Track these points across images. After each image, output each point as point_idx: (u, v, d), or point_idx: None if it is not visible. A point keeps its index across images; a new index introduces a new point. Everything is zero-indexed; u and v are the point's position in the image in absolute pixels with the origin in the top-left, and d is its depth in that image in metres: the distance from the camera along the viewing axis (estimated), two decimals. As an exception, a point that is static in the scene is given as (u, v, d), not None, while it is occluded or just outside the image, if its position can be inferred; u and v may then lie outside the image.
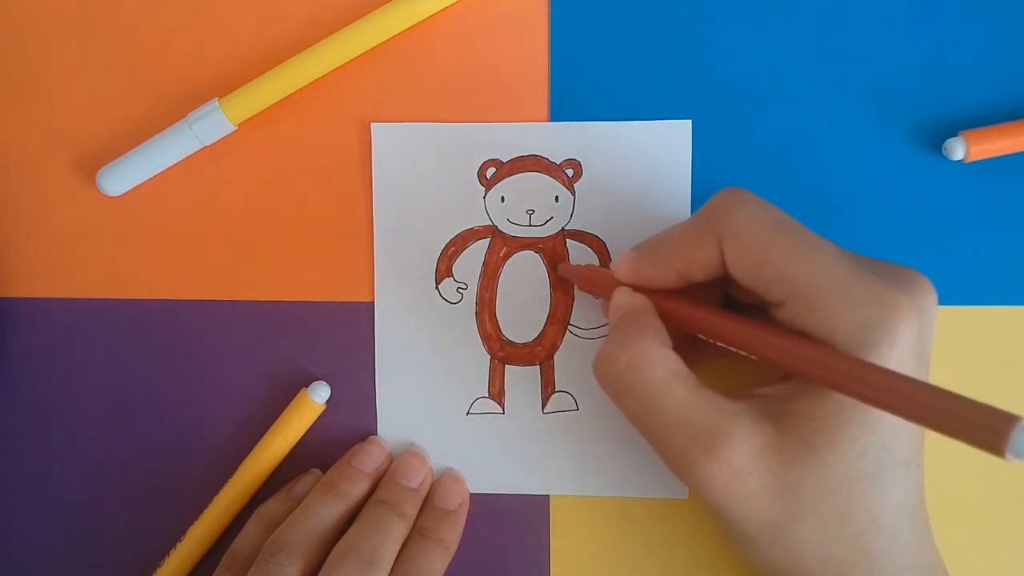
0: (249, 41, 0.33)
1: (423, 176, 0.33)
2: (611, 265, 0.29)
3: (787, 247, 0.25)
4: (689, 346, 0.28)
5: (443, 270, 0.33)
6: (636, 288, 0.28)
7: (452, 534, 0.31)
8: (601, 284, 0.30)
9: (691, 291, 0.28)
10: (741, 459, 0.24)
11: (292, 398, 0.33)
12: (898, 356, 0.23)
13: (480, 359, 0.33)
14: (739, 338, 0.26)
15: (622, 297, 0.28)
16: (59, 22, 0.33)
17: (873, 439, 0.24)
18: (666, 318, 0.27)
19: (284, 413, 0.33)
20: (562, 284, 0.33)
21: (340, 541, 0.29)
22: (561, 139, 0.32)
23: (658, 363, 0.25)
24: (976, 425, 0.19)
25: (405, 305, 0.33)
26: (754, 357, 0.26)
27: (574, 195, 0.32)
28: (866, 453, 0.24)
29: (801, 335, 0.25)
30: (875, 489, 0.24)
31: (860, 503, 0.24)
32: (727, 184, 0.32)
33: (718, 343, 0.27)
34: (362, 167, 0.33)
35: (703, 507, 0.32)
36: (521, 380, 0.33)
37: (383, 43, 0.32)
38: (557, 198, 0.32)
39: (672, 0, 0.32)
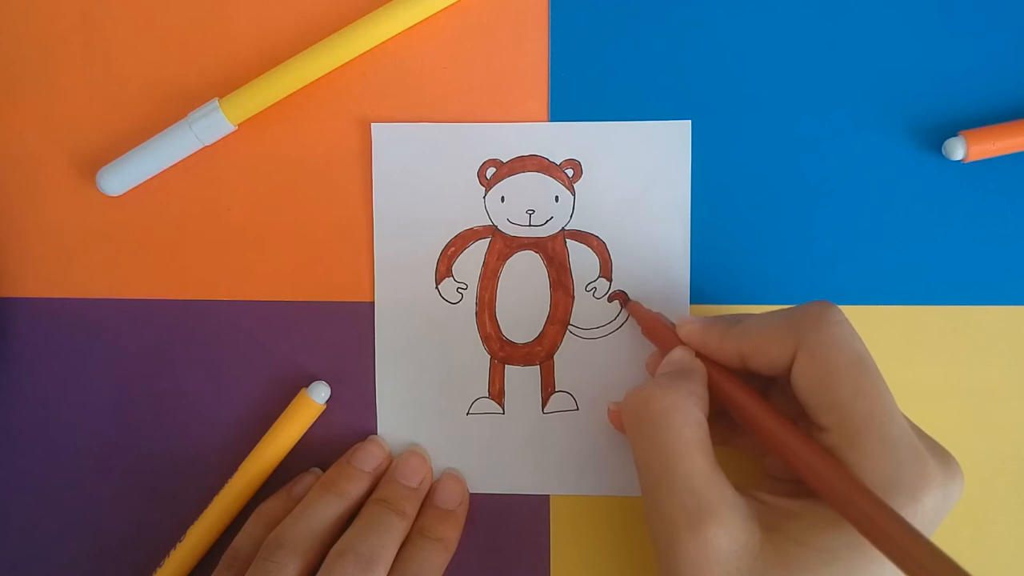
0: (249, 41, 0.33)
1: (423, 176, 0.33)
2: (677, 322, 0.29)
3: (858, 383, 0.25)
4: (721, 422, 0.28)
5: (443, 270, 0.33)
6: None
7: (452, 533, 0.31)
8: (662, 336, 0.30)
9: (740, 376, 0.28)
10: (721, 547, 0.24)
11: (292, 398, 0.33)
12: (910, 519, 0.24)
13: (480, 359, 0.33)
14: (776, 440, 0.26)
15: (681, 354, 0.29)
16: (59, 22, 0.33)
17: None
18: (712, 390, 0.28)
19: (284, 413, 0.33)
20: (562, 284, 0.33)
21: (339, 540, 0.29)
22: (561, 139, 0.32)
23: (691, 424, 0.26)
24: None
25: (405, 305, 0.33)
26: (781, 461, 0.26)
27: (574, 195, 0.32)
28: None
29: (833, 456, 0.25)
30: None
31: None
32: (727, 184, 0.32)
33: (752, 434, 0.27)
34: (362, 167, 0.33)
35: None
36: (521, 380, 0.33)
37: (383, 43, 0.32)
38: (557, 198, 0.32)
39: (672, 0, 0.32)
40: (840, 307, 0.27)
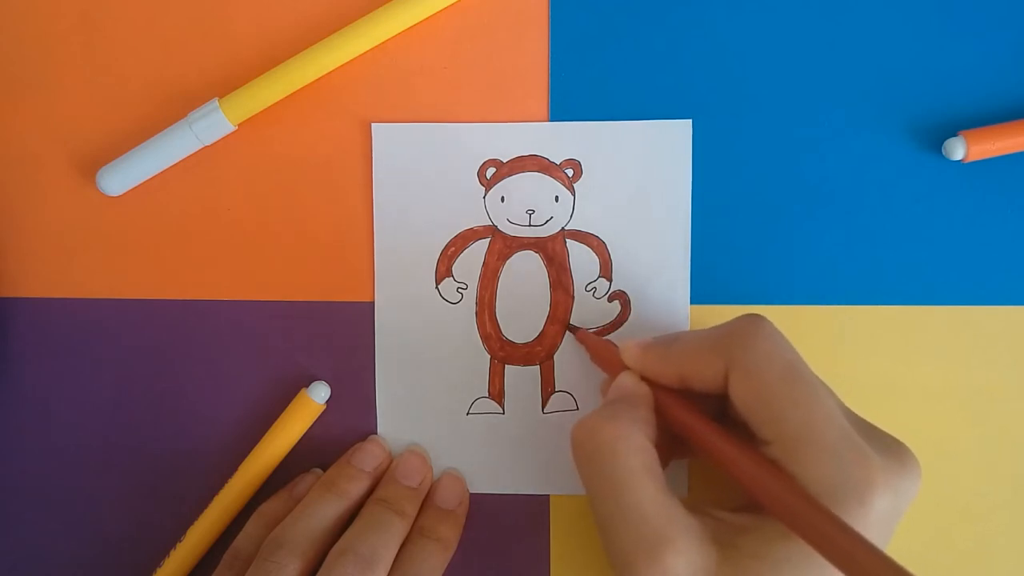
0: (249, 41, 0.33)
1: (423, 176, 0.33)
2: (620, 346, 0.29)
3: (791, 394, 0.25)
4: (672, 440, 0.28)
5: (443, 270, 0.33)
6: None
7: (452, 533, 0.31)
8: (608, 362, 0.30)
9: (693, 394, 0.28)
10: (679, 573, 0.24)
11: (292, 398, 0.33)
12: (861, 525, 0.23)
13: (480, 359, 0.33)
14: (722, 457, 0.26)
15: (627, 380, 0.29)
16: (59, 22, 0.33)
17: None
18: (659, 412, 0.28)
19: (284, 413, 0.33)
20: (562, 284, 0.33)
21: (339, 540, 0.29)
22: (561, 139, 0.32)
23: (637, 452, 0.26)
24: None
25: (405, 305, 0.33)
26: (730, 479, 0.26)
27: (574, 195, 0.32)
28: None
29: (778, 468, 0.25)
30: None
31: None
32: (727, 184, 0.32)
33: (700, 453, 0.27)
34: (362, 167, 0.33)
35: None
36: (521, 380, 0.33)
37: (383, 43, 0.32)
38: (557, 198, 0.32)
39: (672, 0, 0.32)
40: (774, 317, 0.27)
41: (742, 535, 0.25)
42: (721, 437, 0.26)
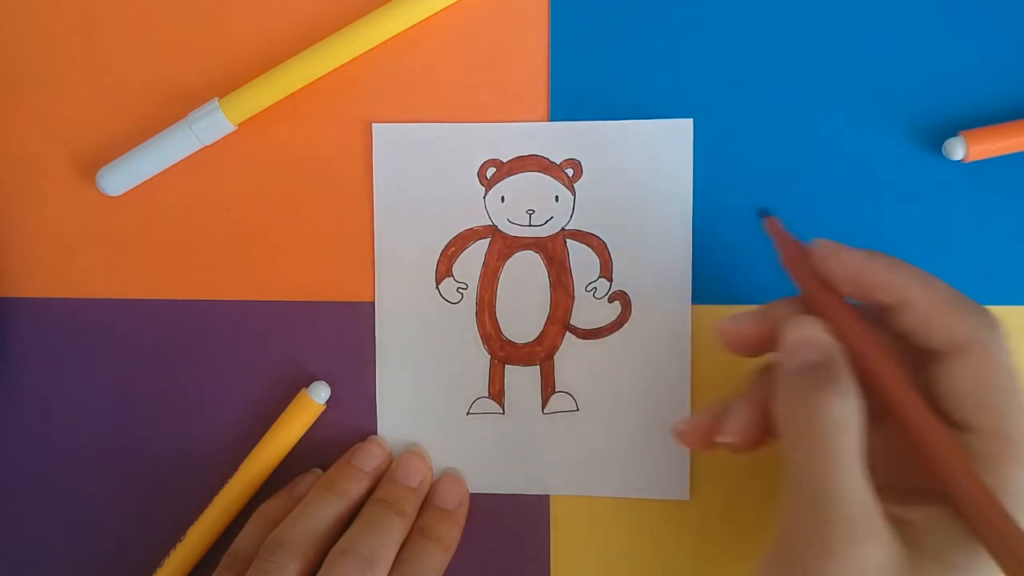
0: (249, 41, 0.33)
1: (423, 176, 0.33)
2: (819, 249, 0.27)
3: (1016, 394, 0.25)
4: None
5: (443, 270, 0.33)
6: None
7: (452, 533, 0.31)
8: (793, 264, 0.28)
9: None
10: (880, 564, 0.23)
11: (292, 398, 0.33)
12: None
13: (480, 359, 0.33)
14: (929, 451, 0.24)
15: (816, 334, 0.26)
16: (59, 22, 0.33)
17: None
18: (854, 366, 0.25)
19: (284, 413, 0.33)
20: (562, 283, 0.33)
21: (340, 540, 0.29)
22: (561, 139, 0.32)
23: (856, 435, 0.24)
24: None
25: (405, 305, 0.33)
26: (923, 464, 0.24)
27: (574, 195, 0.32)
28: None
29: (976, 469, 0.23)
30: None
31: None
32: (728, 183, 0.32)
33: (895, 426, 0.25)
34: (362, 167, 0.33)
35: (702, 508, 0.32)
36: (521, 380, 0.33)
37: (383, 43, 0.32)
38: (557, 198, 0.32)
39: (672, 0, 0.32)
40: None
41: (921, 535, 0.24)
42: (930, 421, 0.24)
